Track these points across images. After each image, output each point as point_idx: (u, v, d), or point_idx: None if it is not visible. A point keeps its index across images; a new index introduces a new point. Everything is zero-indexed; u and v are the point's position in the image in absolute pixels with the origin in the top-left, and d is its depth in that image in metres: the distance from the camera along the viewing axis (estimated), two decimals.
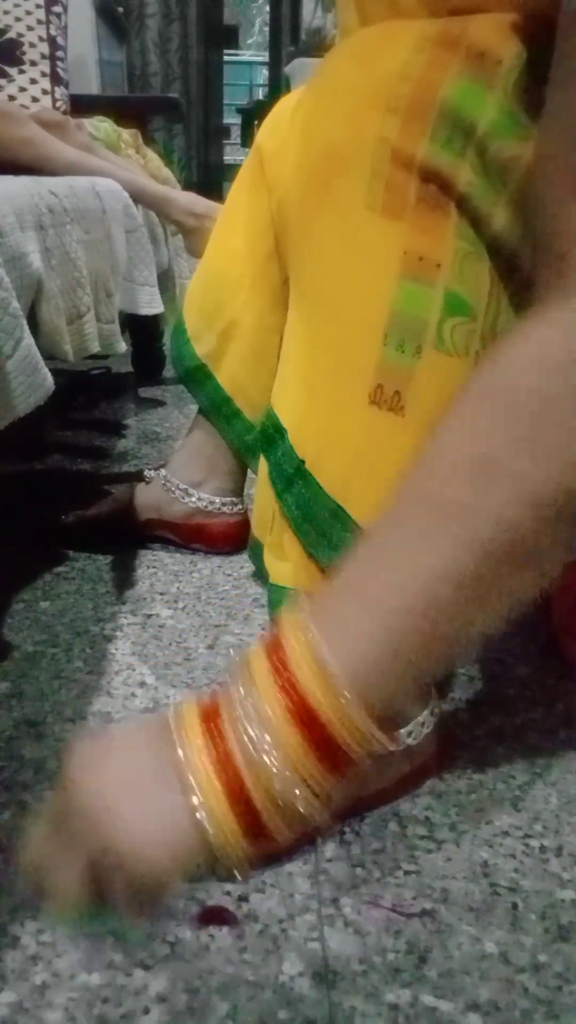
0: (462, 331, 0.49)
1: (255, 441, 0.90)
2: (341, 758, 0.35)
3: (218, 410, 0.90)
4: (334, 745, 0.35)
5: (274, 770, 0.34)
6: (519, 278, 0.49)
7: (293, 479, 0.55)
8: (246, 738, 0.34)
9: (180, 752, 0.35)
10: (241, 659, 0.38)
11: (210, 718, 0.36)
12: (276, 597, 0.67)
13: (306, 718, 0.34)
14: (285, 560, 0.62)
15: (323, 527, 0.54)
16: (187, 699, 0.38)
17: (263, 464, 0.61)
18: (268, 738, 0.34)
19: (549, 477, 0.34)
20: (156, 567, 0.95)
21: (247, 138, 4.88)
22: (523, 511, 0.34)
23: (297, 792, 0.34)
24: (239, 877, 0.36)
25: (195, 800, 0.34)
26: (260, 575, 0.89)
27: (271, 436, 0.58)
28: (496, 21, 0.45)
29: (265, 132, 0.81)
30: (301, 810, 0.35)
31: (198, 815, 0.34)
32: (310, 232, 0.51)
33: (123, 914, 0.35)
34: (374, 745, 0.35)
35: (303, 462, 0.53)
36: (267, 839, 0.35)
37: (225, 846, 0.34)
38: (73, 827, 0.35)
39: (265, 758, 0.34)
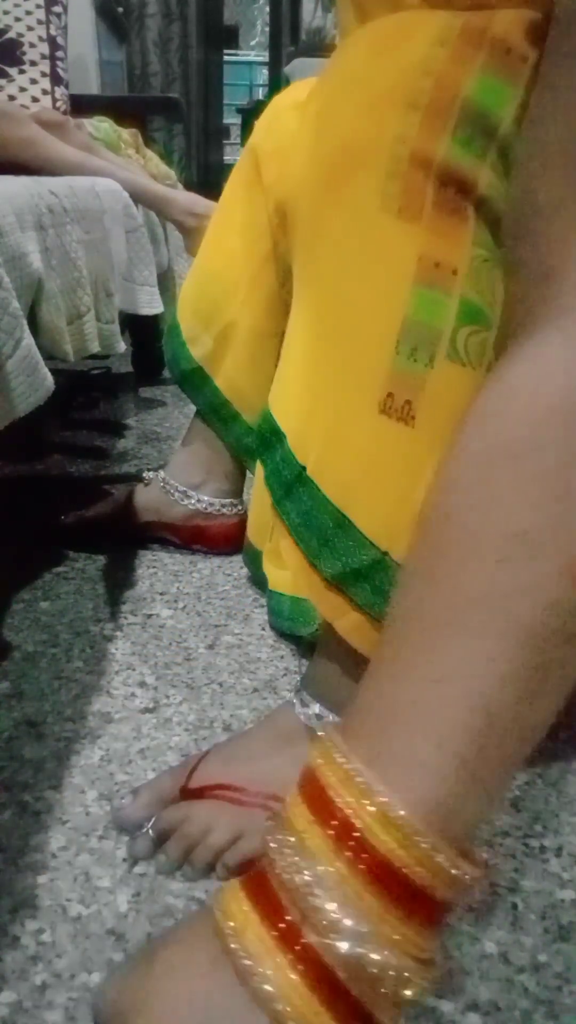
0: (476, 340, 0.47)
1: (254, 443, 0.90)
2: (439, 910, 0.31)
3: (216, 413, 0.90)
4: (431, 901, 0.31)
5: (375, 958, 0.29)
6: None
7: (293, 486, 0.54)
8: (333, 939, 0.29)
9: (257, 976, 0.29)
10: (284, 825, 0.33)
11: (270, 914, 0.31)
12: (276, 605, 0.67)
13: (393, 883, 0.30)
14: (283, 568, 0.62)
15: (326, 536, 0.53)
16: (222, 894, 0.32)
17: (259, 468, 0.60)
18: (360, 926, 0.29)
19: None
20: (156, 567, 0.95)
21: (247, 138, 4.88)
22: (569, 584, 0.30)
23: (403, 972, 0.30)
24: None
25: (287, 1014, 0.29)
26: (256, 581, 0.89)
27: (268, 440, 0.57)
28: (523, 16, 0.43)
29: (261, 132, 0.80)
30: (408, 986, 0.30)
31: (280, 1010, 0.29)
32: (321, 232, 0.50)
33: None
34: (470, 882, 0.32)
35: (304, 469, 0.53)
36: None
37: None
38: None
39: (360, 949, 0.29)
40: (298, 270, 0.55)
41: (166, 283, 1.51)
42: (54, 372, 0.71)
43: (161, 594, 0.89)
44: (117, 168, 1.30)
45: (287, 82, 2.73)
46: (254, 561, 0.83)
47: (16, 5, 1.55)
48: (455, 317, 0.47)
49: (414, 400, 0.48)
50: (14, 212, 0.70)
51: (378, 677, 0.34)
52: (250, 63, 7.24)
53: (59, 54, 1.59)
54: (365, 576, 0.52)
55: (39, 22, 1.56)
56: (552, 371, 0.33)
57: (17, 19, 1.55)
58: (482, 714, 0.31)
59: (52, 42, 1.57)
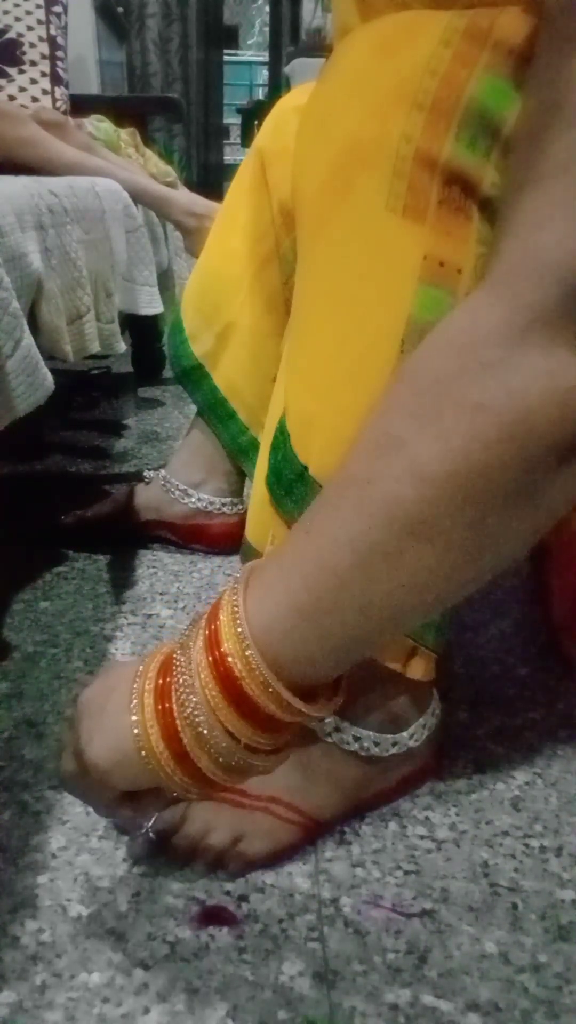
0: None
1: (248, 443, 0.90)
2: (251, 706, 0.39)
3: (213, 410, 0.90)
4: (243, 694, 0.39)
5: (195, 710, 0.39)
6: None
7: (294, 485, 0.54)
8: (181, 679, 0.40)
9: (136, 684, 0.41)
10: (201, 616, 0.42)
11: (168, 660, 0.42)
12: None
13: (222, 669, 0.39)
14: None
15: None
16: (168, 641, 0.44)
17: (259, 468, 0.60)
18: (195, 682, 0.39)
19: (444, 456, 0.35)
20: (156, 567, 0.95)
21: (247, 138, 4.88)
22: (415, 486, 0.35)
23: (214, 732, 0.39)
24: (188, 797, 0.42)
25: (134, 720, 0.40)
26: None
27: (276, 439, 0.57)
28: (525, 16, 0.42)
29: (266, 133, 0.81)
30: (222, 749, 0.40)
31: (135, 732, 0.40)
32: (325, 231, 0.50)
33: (85, 800, 0.45)
34: (282, 701, 0.39)
35: (306, 469, 0.53)
36: (196, 772, 0.40)
37: (158, 766, 0.40)
38: (72, 725, 0.44)
39: (190, 697, 0.39)
40: (301, 269, 0.54)
41: (166, 283, 1.51)
42: (54, 372, 0.71)
43: (161, 594, 0.89)
44: (117, 168, 1.30)
45: (287, 82, 2.73)
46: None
47: (16, 5, 1.55)
48: None
49: None
50: (14, 212, 0.70)
51: (287, 547, 0.41)
52: (250, 63, 7.23)
53: (59, 54, 1.59)
54: None
55: (39, 22, 1.56)
56: (461, 314, 0.38)
57: (17, 19, 1.55)
58: (328, 570, 0.37)
59: (52, 42, 1.57)
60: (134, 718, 0.40)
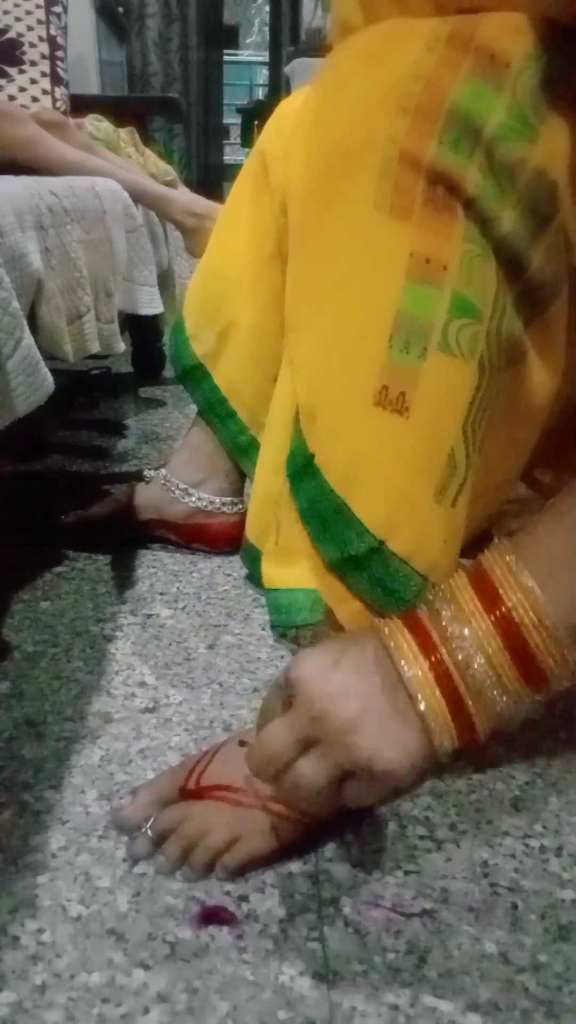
0: (468, 332, 0.48)
1: (248, 443, 0.90)
2: (539, 677, 0.42)
3: (213, 409, 0.90)
4: (536, 665, 0.41)
5: (488, 683, 0.41)
6: (524, 280, 0.49)
7: (303, 471, 0.55)
8: (460, 656, 0.42)
9: (406, 671, 0.42)
10: (445, 591, 0.44)
11: (422, 641, 0.43)
12: (276, 600, 0.67)
13: (517, 644, 0.41)
14: (285, 566, 0.62)
15: (328, 522, 0.54)
16: (386, 623, 0.45)
17: (259, 466, 0.61)
18: (481, 657, 0.41)
19: None
20: (156, 567, 0.95)
21: (247, 138, 4.88)
22: None
23: (503, 699, 0.42)
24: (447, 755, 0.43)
25: (424, 712, 0.42)
26: (253, 579, 0.89)
27: (294, 426, 0.58)
28: (507, 21, 0.44)
29: (268, 135, 0.81)
30: (502, 715, 0.42)
31: (431, 727, 0.42)
32: (316, 230, 0.51)
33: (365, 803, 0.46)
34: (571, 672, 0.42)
35: (313, 456, 0.54)
36: (472, 739, 0.43)
37: (446, 748, 0.42)
38: (322, 745, 0.43)
39: (478, 674, 0.41)
40: (292, 268, 0.55)
41: (166, 283, 1.51)
42: (54, 372, 0.71)
43: (161, 594, 0.89)
44: (117, 168, 1.30)
45: (287, 82, 2.73)
46: (253, 560, 0.83)
47: (16, 5, 1.55)
48: (447, 311, 0.48)
49: (408, 392, 0.49)
50: (14, 212, 0.70)
51: (555, 519, 0.43)
52: (250, 63, 7.23)
53: (59, 54, 1.59)
54: (362, 564, 0.53)
55: (39, 22, 1.56)
56: None
57: (17, 19, 1.55)
58: None
59: (52, 42, 1.57)
60: (424, 710, 0.42)
